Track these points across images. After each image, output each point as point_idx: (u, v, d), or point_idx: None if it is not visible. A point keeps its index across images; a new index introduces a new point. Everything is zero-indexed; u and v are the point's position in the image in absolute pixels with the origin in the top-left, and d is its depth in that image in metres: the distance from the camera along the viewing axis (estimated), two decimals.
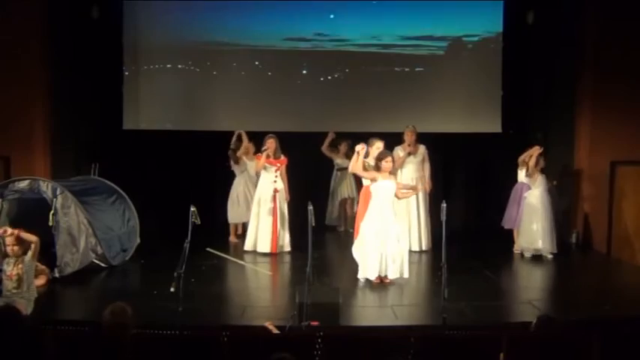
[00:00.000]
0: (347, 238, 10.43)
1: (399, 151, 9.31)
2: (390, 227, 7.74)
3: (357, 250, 7.90)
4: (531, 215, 9.17)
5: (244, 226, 9.96)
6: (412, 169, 9.53)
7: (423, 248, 9.59)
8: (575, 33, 10.20)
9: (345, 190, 10.94)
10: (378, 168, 7.88)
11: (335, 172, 11.06)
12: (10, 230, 6.39)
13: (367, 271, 7.77)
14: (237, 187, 10.06)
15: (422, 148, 9.62)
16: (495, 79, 11.32)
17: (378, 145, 8.41)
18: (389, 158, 7.88)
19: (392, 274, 7.75)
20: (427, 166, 9.64)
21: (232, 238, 10.10)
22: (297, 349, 4.61)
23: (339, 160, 10.89)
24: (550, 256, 9.14)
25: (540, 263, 9.08)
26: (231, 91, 11.34)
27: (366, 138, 8.57)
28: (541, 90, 11.05)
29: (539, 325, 4.75)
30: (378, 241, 7.70)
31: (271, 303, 7.53)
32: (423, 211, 9.61)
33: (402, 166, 9.39)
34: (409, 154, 9.43)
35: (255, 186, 9.59)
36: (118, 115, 11.28)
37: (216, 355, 5.01)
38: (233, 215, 10.10)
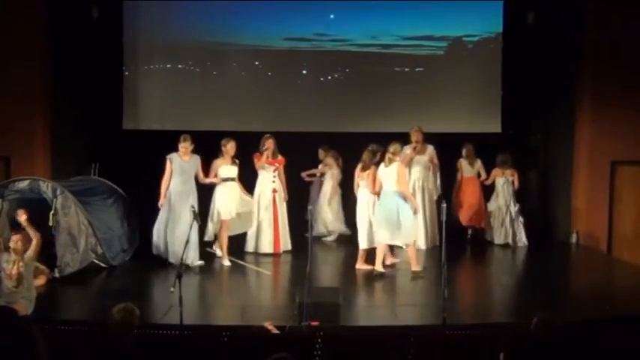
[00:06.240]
0: None
1: (407, 150, 9.34)
2: None
3: None
4: None
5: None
6: (419, 169, 9.56)
7: (429, 245, 9.64)
8: (575, 33, 10.19)
9: None
10: None
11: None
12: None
13: None
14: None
15: (430, 149, 9.64)
16: (495, 79, 11.31)
17: None
18: None
19: None
20: (434, 167, 9.65)
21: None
22: (297, 349, 4.60)
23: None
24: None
25: (541, 264, 9.08)
26: (231, 91, 11.33)
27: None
28: (541, 90, 11.04)
29: (539, 325, 4.75)
30: None
31: (271, 303, 7.54)
32: (429, 210, 9.64)
33: (408, 164, 9.40)
34: (417, 153, 9.48)
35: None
36: (117, 115, 11.27)
37: (216, 355, 5.01)
38: None
